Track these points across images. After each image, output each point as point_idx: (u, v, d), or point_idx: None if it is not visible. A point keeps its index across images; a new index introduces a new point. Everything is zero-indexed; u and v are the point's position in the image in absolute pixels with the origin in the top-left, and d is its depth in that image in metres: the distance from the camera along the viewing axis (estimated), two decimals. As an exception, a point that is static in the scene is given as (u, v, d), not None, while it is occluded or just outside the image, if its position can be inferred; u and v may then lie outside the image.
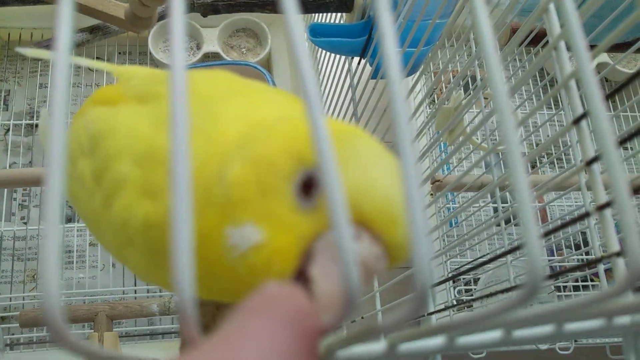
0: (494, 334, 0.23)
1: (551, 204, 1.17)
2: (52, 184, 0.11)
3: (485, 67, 0.14)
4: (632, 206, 0.13)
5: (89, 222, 0.31)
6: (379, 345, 0.22)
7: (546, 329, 0.23)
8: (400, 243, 0.19)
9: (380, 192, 0.19)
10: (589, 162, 0.28)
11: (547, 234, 0.35)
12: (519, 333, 0.23)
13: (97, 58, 1.20)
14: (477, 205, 1.10)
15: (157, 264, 0.25)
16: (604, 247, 0.54)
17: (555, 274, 0.33)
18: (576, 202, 1.18)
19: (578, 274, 0.95)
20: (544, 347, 0.86)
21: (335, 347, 0.21)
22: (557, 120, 1.28)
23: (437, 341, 0.22)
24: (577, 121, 0.29)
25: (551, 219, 1.18)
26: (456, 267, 1.00)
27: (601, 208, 0.27)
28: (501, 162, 1.16)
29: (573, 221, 0.32)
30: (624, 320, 0.24)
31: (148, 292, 1.02)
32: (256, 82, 0.31)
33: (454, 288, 1.04)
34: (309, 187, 0.20)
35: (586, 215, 0.30)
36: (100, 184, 0.27)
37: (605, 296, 0.18)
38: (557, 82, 0.36)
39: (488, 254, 1.01)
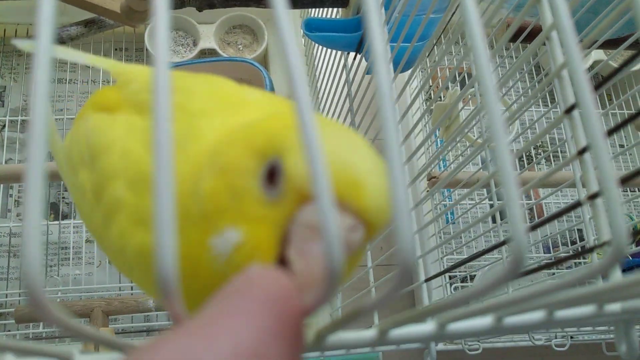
0: (485, 321, 0.23)
1: (547, 202, 1.17)
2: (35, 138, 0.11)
3: (474, 62, 0.14)
4: (617, 185, 0.13)
5: (92, 232, 0.31)
6: (370, 332, 0.22)
7: (537, 315, 0.23)
8: (371, 208, 0.19)
9: (345, 164, 0.19)
10: (581, 152, 0.28)
11: (541, 223, 0.35)
12: (510, 320, 0.23)
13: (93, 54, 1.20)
14: (473, 201, 1.10)
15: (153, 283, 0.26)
16: (599, 241, 0.54)
17: (550, 264, 0.33)
18: (572, 199, 1.18)
19: (572, 270, 0.95)
20: (540, 343, 0.86)
21: (326, 332, 0.21)
22: (553, 118, 1.28)
23: (428, 327, 0.23)
24: (568, 111, 0.29)
25: (547, 213, 1.19)
26: (452, 264, 1.00)
27: (593, 197, 0.27)
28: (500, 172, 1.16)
29: (566, 210, 0.32)
30: (614, 307, 0.24)
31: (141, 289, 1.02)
32: (248, 89, 0.31)
33: (450, 285, 1.04)
34: (272, 176, 0.20)
35: (578, 204, 0.30)
36: (99, 202, 0.27)
37: (594, 272, 0.19)
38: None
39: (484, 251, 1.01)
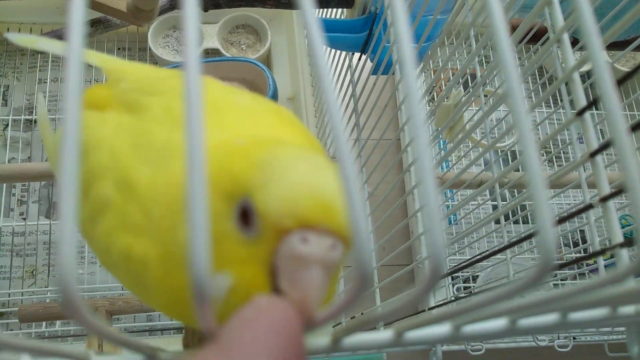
0: (499, 323, 0.23)
1: (549, 202, 1.17)
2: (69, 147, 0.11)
3: (502, 70, 0.14)
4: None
5: (78, 227, 0.31)
6: (386, 334, 0.22)
7: (551, 317, 0.23)
8: (343, 224, 0.20)
9: (313, 189, 0.20)
10: (593, 154, 0.28)
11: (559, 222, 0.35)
12: (524, 322, 0.23)
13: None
14: (476, 202, 1.10)
15: (143, 291, 0.26)
16: (603, 243, 0.54)
17: (565, 264, 0.33)
18: (574, 200, 1.19)
19: (575, 271, 0.95)
20: (543, 343, 0.86)
21: (342, 335, 0.21)
22: (557, 119, 1.28)
23: (443, 329, 0.23)
24: (581, 113, 0.29)
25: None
26: (455, 264, 1.00)
27: (605, 199, 0.27)
28: (500, 159, 1.16)
29: (577, 213, 0.32)
30: (628, 309, 0.24)
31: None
32: (237, 94, 0.31)
33: (453, 285, 1.04)
34: (246, 216, 0.20)
35: (589, 207, 0.30)
36: (87, 198, 0.27)
37: (611, 280, 0.19)
38: (556, 79, 0.36)
39: (487, 250, 1.01)
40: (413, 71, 0.13)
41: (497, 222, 1.05)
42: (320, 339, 0.22)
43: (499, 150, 1.13)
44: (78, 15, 0.12)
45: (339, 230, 0.19)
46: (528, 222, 1.16)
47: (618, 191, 0.26)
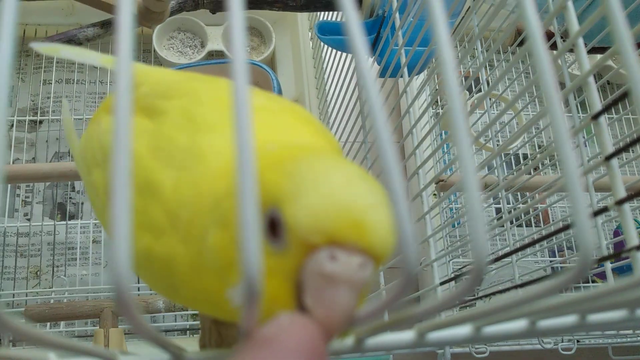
0: (519, 324, 0.23)
1: (553, 206, 1.18)
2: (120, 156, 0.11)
3: (540, 78, 0.14)
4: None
5: (105, 229, 0.32)
6: (408, 334, 0.22)
7: (570, 319, 0.23)
8: (376, 243, 0.19)
9: (344, 204, 0.19)
10: (609, 157, 0.28)
11: (559, 231, 0.36)
12: (544, 323, 0.23)
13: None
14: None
15: (169, 289, 0.26)
16: (607, 248, 0.55)
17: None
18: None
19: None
20: (547, 346, 0.86)
21: (366, 336, 0.22)
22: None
23: (465, 330, 0.23)
24: (596, 116, 0.29)
25: (553, 220, 1.19)
26: (459, 267, 1.01)
27: (621, 202, 0.28)
28: (504, 163, 1.16)
29: (597, 213, 0.32)
30: (646, 311, 0.24)
31: (151, 289, 1.02)
32: (254, 93, 0.31)
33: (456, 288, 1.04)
34: (274, 227, 0.20)
35: (604, 209, 0.30)
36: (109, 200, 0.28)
37: (632, 284, 0.19)
38: (561, 84, 0.37)
39: (492, 254, 1.01)
40: (453, 70, 0.13)
41: (502, 225, 1.05)
42: (343, 341, 0.22)
43: (504, 154, 1.13)
44: (127, 27, 0.12)
45: (370, 248, 0.19)
46: (531, 226, 1.17)
47: (635, 194, 0.26)
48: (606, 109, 0.29)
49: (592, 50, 0.69)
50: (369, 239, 0.19)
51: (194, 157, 0.25)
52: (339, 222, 0.18)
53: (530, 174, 1.15)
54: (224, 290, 0.21)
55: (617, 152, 0.28)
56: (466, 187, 0.11)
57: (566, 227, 0.38)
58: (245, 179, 0.11)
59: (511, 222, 0.93)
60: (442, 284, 0.52)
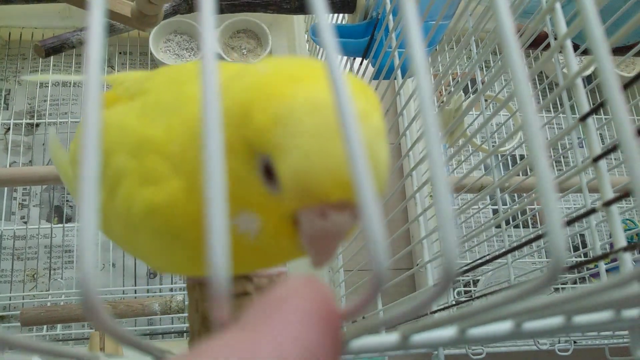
0: (504, 326, 0.23)
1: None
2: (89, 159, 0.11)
3: (512, 76, 0.14)
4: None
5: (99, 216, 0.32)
6: (392, 337, 0.22)
7: (556, 321, 0.23)
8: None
9: (328, 161, 0.19)
10: (596, 159, 0.28)
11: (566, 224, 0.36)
12: (529, 325, 0.23)
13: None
14: (477, 207, 1.11)
15: (167, 248, 0.26)
16: (603, 247, 0.54)
17: (569, 267, 0.34)
18: (575, 204, 1.19)
19: (576, 275, 0.95)
20: (544, 347, 0.86)
21: (349, 338, 0.21)
22: (557, 124, 1.28)
23: (449, 332, 0.23)
24: (583, 118, 0.29)
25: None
26: (467, 267, 1.01)
27: (608, 204, 0.28)
28: (500, 164, 1.16)
29: (580, 217, 0.32)
30: (632, 313, 0.24)
31: (148, 292, 1.02)
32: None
33: (454, 290, 1.04)
34: (269, 172, 0.20)
35: (592, 211, 0.30)
36: (104, 180, 0.28)
37: (616, 284, 0.19)
38: (556, 84, 0.37)
39: (488, 254, 1.01)
40: (426, 75, 0.13)
41: (498, 226, 1.05)
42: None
43: (499, 155, 1.13)
44: (97, 28, 0.12)
45: (354, 202, 0.19)
46: (528, 227, 1.17)
47: (621, 195, 0.26)
48: (594, 111, 0.29)
49: (587, 52, 0.69)
50: (350, 194, 0.19)
51: (180, 103, 0.25)
52: (326, 184, 0.19)
53: (526, 174, 1.15)
54: (230, 219, 0.22)
55: (604, 154, 0.28)
56: (435, 188, 0.11)
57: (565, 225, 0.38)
58: (210, 117, 0.11)
59: (507, 223, 0.93)
60: (435, 285, 0.52)
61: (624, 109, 0.14)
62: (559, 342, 0.90)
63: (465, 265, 0.94)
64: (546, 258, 1.14)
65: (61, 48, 0.57)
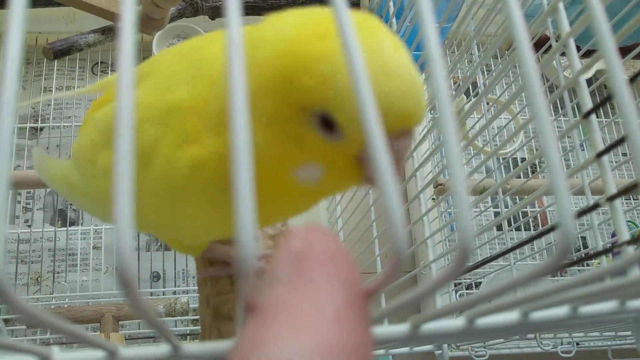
0: (512, 316, 0.24)
1: (551, 209, 1.18)
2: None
3: (522, 77, 0.15)
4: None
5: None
6: (402, 327, 0.23)
7: (562, 311, 0.24)
8: (419, 120, 0.23)
9: (388, 99, 0.21)
10: (600, 154, 0.29)
11: (547, 231, 0.36)
12: (536, 315, 0.24)
13: (102, 62, 1.21)
14: (478, 209, 1.11)
15: (214, 204, 0.26)
16: (605, 247, 0.55)
17: (571, 263, 0.34)
18: (576, 205, 1.19)
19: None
20: (547, 348, 0.86)
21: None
22: (558, 127, 1.29)
23: (457, 323, 0.23)
24: (587, 115, 0.30)
25: (551, 222, 1.20)
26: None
27: (612, 198, 0.28)
28: (502, 166, 1.17)
29: (584, 212, 0.33)
30: (636, 303, 0.24)
31: (152, 294, 1.03)
32: None
33: (456, 292, 1.05)
34: (326, 122, 0.22)
35: (596, 206, 0.30)
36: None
37: (618, 268, 0.19)
38: (556, 87, 0.37)
39: (489, 256, 1.02)
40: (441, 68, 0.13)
41: (500, 228, 1.06)
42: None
43: (501, 158, 1.13)
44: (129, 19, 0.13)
45: (415, 125, 0.23)
46: (530, 229, 1.17)
47: (626, 189, 0.26)
48: (597, 108, 0.30)
49: (590, 53, 0.69)
50: (414, 121, 0.22)
51: (200, 66, 0.26)
52: (389, 120, 0.21)
53: (528, 176, 1.16)
54: (287, 172, 0.24)
55: (608, 149, 0.29)
56: (450, 164, 0.12)
57: (553, 228, 0.38)
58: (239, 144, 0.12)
59: (509, 225, 0.93)
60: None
61: (630, 100, 0.14)
62: (562, 344, 0.91)
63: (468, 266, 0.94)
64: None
65: (69, 51, 0.58)
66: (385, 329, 0.23)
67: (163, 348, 0.22)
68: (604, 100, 0.27)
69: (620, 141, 0.27)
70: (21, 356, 0.21)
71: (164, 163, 0.26)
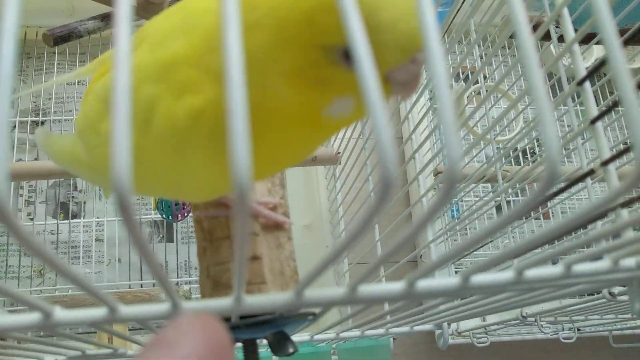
0: (506, 275, 0.24)
1: (553, 202, 1.18)
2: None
3: (520, 61, 0.15)
4: None
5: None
6: (398, 285, 0.23)
7: (556, 270, 0.24)
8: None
9: (400, 37, 0.23)
10: (594, 120, 0.29)
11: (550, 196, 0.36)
12: (530, 273, 0.24)
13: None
14: (477, 197, 1.11)
15: (216, 154, 0.26)
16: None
17: (556, 193, 0.34)
18: (578, 202, 1.20)
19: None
20: (547, 332, 0.87)
21: (357, 282, 0.22)
22: (559, 120, 1.29)
23: (452, 281, 0.24)
24: (581, 82, 0.30)
25: (553, 215, 1.20)
26: (459, 258, 1.01)
27: (606, 163, 0.28)
28: (502, 158, 1.17)
29: (578, 180, 0.33)
30: (629, 262, 0.25)
31: (154, 286, 1.03)
32: None
33: (457, 273, 1.05)
34: (349, 55, 0.23)
35: (591, 172, 0.31)
36: (132, 120, 0.28)
37: (612, 231, 0.20)
38: (555, 75, 0.38)
39: (491, 241, 1.02)
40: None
41: (499, 208, 1.05)
42: (336, 289, 0.23)
43: (501, 145, 1.13)
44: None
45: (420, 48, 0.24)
46: (530, 216, 1.17)
47: (619, 153, 0.27)
48: (590, 75, 0.30)
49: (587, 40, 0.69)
50: (420, 44, 0.23)
51: (194, 19, 0.27)
52: (404, 50, 0.23)
53: (528, 165, 1.15)
54: (319, 112, 0.25)
55: (601, 115, 0.29)
56: (439, 95, 0.12)
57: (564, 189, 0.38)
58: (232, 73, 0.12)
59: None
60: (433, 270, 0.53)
61: (624, 63, 0.14)
62: (563, 330, 0.91)
63: (467, 254, 0.94)
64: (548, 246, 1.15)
65: (69, 37, 0.58)
66: (381, 287, 0.23)
67: (164, 305, 0.22)
68: (599, 65, 0.27)
69: (614, 106, 0.28)
70: (25, 313, 0.22)
71: (164, 118, 0.27)
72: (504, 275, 0.24)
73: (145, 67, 0.28)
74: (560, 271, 0.24)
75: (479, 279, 0.23)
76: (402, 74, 0.24)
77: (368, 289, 0.22)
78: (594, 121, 0.29)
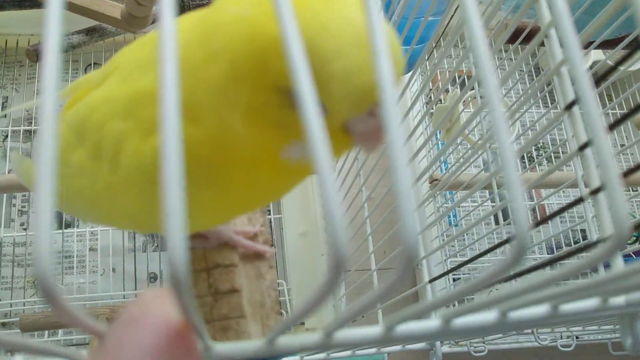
0: (490, 316, 0.23)
1: (550, 202, 1.17)
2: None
3: (475, 62, 0.14)
4: (617, 174, 0.13)
5: (100, 202, 0.31)
6: (375, 329, 0.22)
7: (542, 309, 0.23)
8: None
9: (358, 82, 0.21)
10: (582, 147, 0.28)
11: (545, 220, 0.35)
12: (515, 315, 0.23)
13: (95, 64, 1.21)
14: (475, 203, 1.10)
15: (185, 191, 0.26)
16: (602, 237, 0.54)
17: (552, 260, 0.33)
18: (573, 197, 1.19)
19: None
20: (545, 342, 0.86)
21: (333, 329, 0.21)
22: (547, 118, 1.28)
23: (433, 323, 0.23)
24: (569, 107, 0.29)
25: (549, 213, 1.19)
26: (456, 265, 1.00)
27: (595, 192, 0.28)
28: (499, 159, 1.16)
29: (568, 206, 0.32)
30: (619, 300, 0.24)
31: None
32: None
33: (454, 287, 1.04)
34: None
35: (580, 200, 0.30)
36: (101, 156, 0.28)
37: (596, 259, 0.19)
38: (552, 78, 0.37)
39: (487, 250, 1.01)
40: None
41: (497, 222, 1.05)
42: (310, 335, 0.22)
43: (497, 151, 1.12)
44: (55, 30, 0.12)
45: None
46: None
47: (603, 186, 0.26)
48: (577, 100, 0.29)
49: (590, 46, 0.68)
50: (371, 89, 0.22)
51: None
52: (357, 104, 0.22)
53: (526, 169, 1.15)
54: (276, 154, 0.25)
55: (589, 143, 0.28)
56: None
57: (552, 215, 0.38)
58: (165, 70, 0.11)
59: (505, 218, 0.93)
60: (431, 281, 0.52)
61: (594, 103, 0.14)
62: (561, 338, 0.90)
63: (463, 262, 0.93)
64: (547, 254, 1.14)
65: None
66: (359, 332, 0.22)
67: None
68: (574, 101, 0.26)
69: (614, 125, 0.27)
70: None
71: (131, 156, 0.26)
72: (488, 316, 0.23)
73: (114, 99, 0.27)
74: (547, 311, 0.23)
75: (462, 321, 0.22)
76: (359, 125, 0.23)
77: (344, 334, 0.21)
78: (582, 148, 0.28)
